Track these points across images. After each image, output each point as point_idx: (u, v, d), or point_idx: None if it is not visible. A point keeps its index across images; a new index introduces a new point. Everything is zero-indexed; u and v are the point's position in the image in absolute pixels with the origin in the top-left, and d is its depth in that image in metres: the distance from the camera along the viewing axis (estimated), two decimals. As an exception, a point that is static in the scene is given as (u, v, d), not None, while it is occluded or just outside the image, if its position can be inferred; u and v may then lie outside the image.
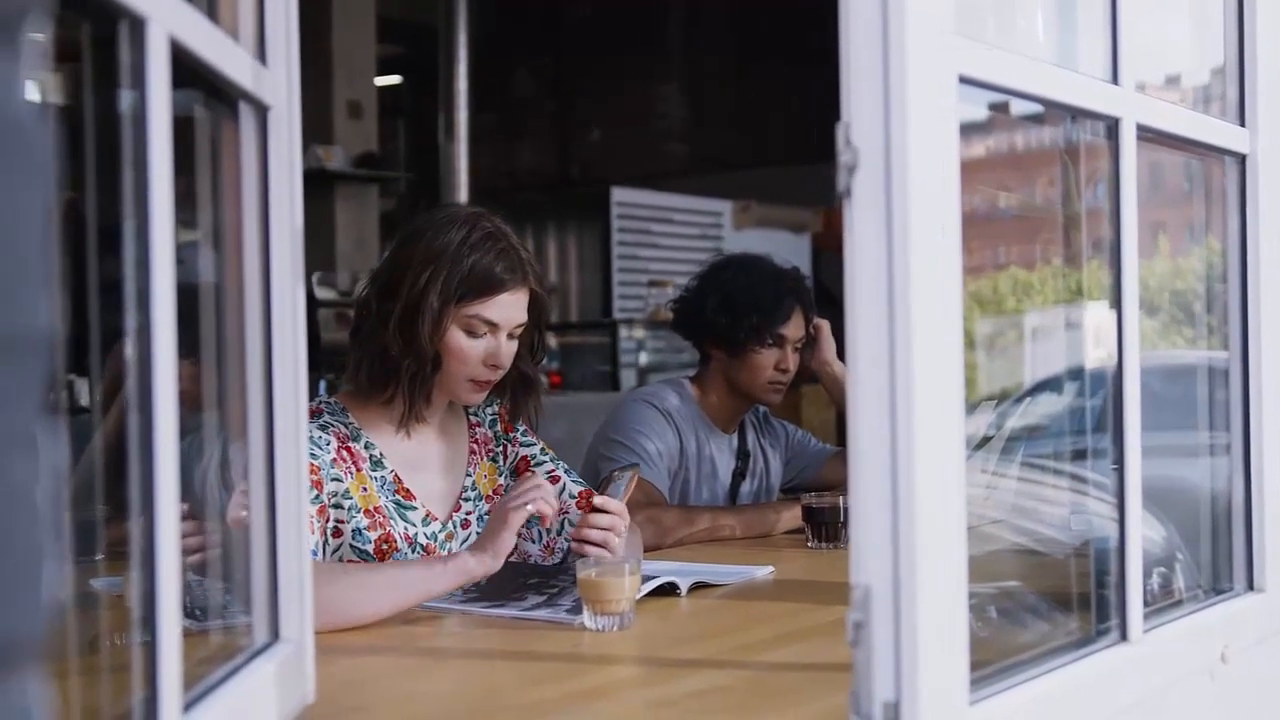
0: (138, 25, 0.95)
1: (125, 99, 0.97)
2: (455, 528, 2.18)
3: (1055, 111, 1.51)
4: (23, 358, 0.53)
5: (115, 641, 1.33)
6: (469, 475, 2.23)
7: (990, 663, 1.26)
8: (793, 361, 2.92)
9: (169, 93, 0.98)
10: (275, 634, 1.31)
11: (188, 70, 1.06)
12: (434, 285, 2.05)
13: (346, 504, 2.05)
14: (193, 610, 1.28)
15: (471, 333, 2.09)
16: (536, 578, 2.07)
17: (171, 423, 0.97)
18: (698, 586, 2.09)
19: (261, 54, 1.30)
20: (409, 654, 1.74)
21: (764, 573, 2.26)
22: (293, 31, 1.34)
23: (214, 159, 1.29)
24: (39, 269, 0.53)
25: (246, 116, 1.28)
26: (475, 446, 2.27)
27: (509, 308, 2.10)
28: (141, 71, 0.96)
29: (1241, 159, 1.74)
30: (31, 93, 0.55)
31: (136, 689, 0.97)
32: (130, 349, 0.97)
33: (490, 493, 2.25)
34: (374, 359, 2.10)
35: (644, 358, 7.42)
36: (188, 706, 1.03)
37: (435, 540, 2.14)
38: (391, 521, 2.08)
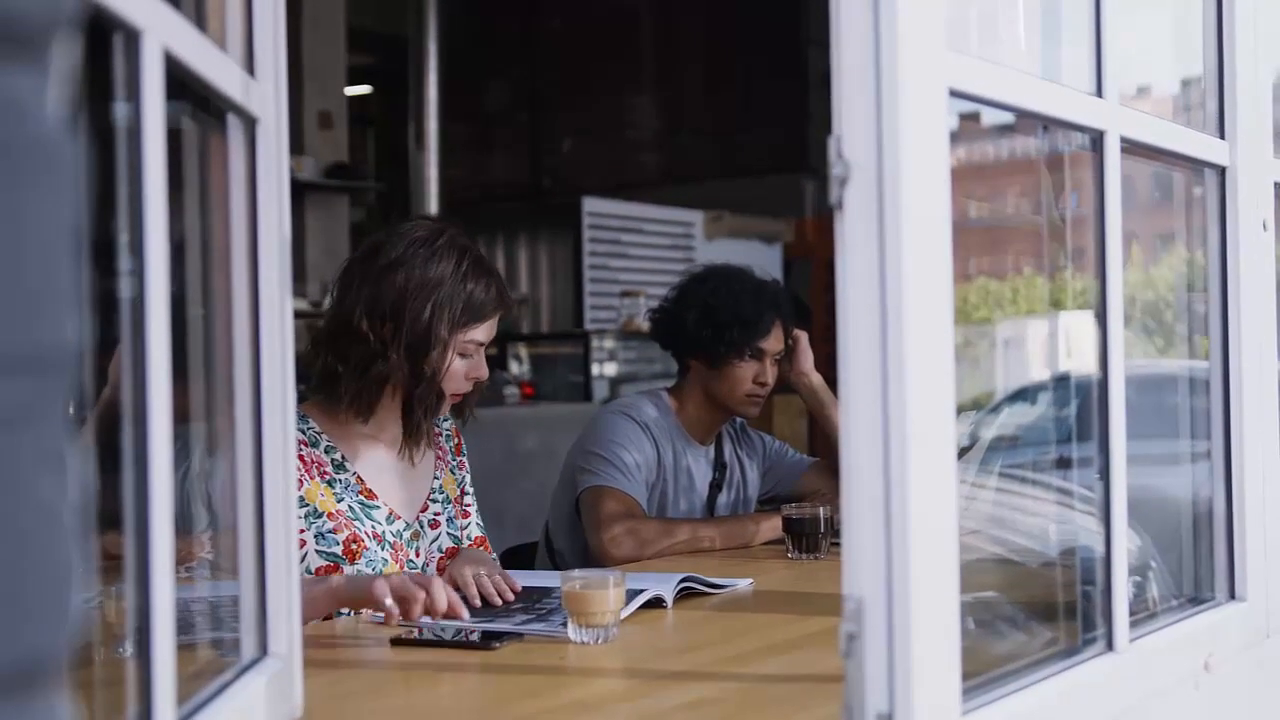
0: (133, 37, 0.94)
1: (119, 110, 0.96)
2: (423, 527, 2.26)
3: (1029, 122, 1.52)
4: (51, 374, 0.52)
5: (98, 656, 1.32)
6: (436, 478, 2.32)
7: (980, 673, 1.26)
8: (771, 374, 2.92)
9: (164, 104, 0.97)
10: (264, 649, 1.30)
11: (177, 82, 1.06)
12: (440, 317, 2.14)
13: (303, 510, 2.09)
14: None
15: (464, 354, 2.20)
16: (524, 599, 2.06)
17: (165, 436, 0.97)
18: (685, 593, 2.09)
19: (250, 66, 1.29)
20: (397, 669, 1.73)
21: (744, 585, 2.26)
22: (280, 43, 1.33)
23: (202, 170, 1.28)
24: (68, 284, 0.53)
25: (235, 128, 1.28)
26: (440, 452, 2.35)
27: (494, 328, 2.24)
28: (136, 83, 0.95)
29: (1221, 171, 1.75)
30: (58, 109, 0.55)
31: (129, 704, 0.96)
32: (123, 361, 0.96)
33: (453, 500, 2.34)
34: (374, 385, 2.14)
35: (616, 368, 7.40)
36: (181, 723, 1.02)
37: (401, 538, 2.21)
38: (357, 521, 2.14)
